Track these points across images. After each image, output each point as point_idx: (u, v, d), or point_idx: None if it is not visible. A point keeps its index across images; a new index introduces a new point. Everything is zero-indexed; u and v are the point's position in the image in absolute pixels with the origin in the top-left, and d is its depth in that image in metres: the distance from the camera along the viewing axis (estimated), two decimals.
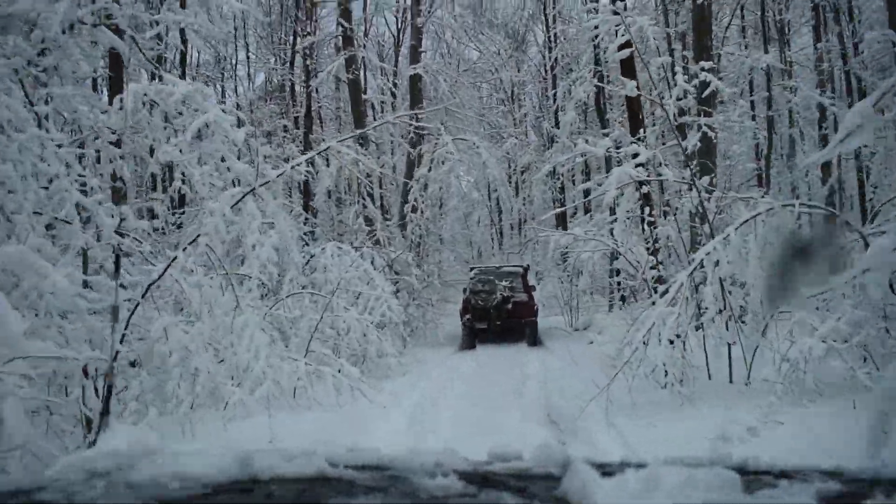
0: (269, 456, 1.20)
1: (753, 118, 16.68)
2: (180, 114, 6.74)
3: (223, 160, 6.74)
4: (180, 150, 6.46)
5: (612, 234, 10.45)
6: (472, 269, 16.73)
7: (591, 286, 21.99)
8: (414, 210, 18.36)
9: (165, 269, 5.64)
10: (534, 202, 32.55)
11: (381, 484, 1.10)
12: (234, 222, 5.97)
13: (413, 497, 1.05)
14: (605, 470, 1.08)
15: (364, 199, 18.23)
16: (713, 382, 8.56)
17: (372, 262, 13.53)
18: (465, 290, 15.17)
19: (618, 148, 9.62)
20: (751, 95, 14.63)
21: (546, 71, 31.81)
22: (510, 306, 14.23)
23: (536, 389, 9.09)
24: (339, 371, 8.83)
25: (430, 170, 17.81)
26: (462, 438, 6.17)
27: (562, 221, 24.40)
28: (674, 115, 10.40)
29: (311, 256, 12.13)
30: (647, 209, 9.18)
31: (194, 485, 1.10)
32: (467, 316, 14.15)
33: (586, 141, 9.70)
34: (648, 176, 8.85)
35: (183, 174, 6.56)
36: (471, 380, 10.13)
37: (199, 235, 5.77)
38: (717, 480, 0.99)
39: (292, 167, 7.11)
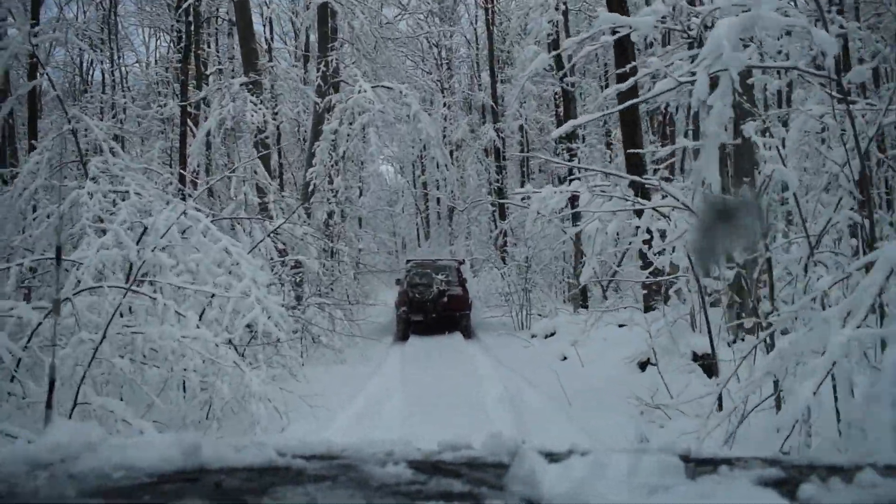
0: (217, 446, 1.14)
1: None
2: None
3: None
4: None
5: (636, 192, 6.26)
6: (408, 261, 17.33)
7: (545, 277, 18.08)
8: (328, 181, 13.83)
9: None
10: (466, 184, 28.33)
11: (331, 472, 1.08)
12: None
13: (363, 485, 1.03)
14: (553, 457, 1.10)
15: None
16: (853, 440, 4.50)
17: (251, 238, 9.14)
18: (398, 282, 15.71)
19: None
20: None
21: (477, 42, 27.57)
22: (446, 299, 14.63)
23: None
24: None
25: (341, 123, 13.32)
26: None
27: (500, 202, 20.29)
28: None
29: (144, 229, 7.56)
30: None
31: (139, 474, 1.07)
32: (403, 308, 14.48)
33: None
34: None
35: None
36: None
37: None
38: (661, 466, 0.98)
39: None
